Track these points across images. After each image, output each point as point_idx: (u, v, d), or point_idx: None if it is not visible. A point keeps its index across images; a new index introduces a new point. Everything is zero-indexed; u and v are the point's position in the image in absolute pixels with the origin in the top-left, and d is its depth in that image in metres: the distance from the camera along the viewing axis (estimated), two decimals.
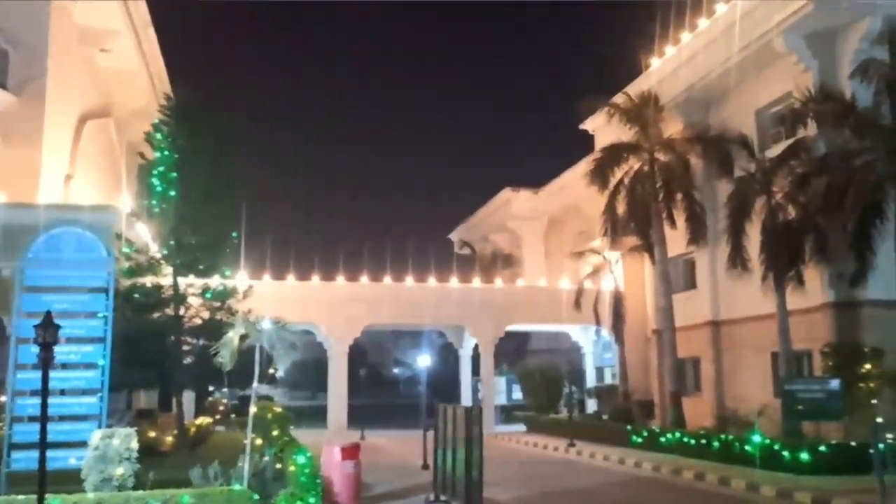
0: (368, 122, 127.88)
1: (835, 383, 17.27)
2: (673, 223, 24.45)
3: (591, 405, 32.17)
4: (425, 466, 17.13)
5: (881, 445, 13.21)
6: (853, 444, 16.33)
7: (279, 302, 22.91)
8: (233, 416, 24.73)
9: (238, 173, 18.94)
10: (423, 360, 23.76)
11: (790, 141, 21.04)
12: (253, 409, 12.12)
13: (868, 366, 18.50)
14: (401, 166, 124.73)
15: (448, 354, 41.04)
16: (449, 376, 38.10)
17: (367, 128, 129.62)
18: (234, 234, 18.57)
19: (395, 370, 78.54)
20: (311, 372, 54.84)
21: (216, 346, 11.88)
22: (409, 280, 31.79)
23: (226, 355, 11.59)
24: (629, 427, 23.45)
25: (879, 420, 16.77)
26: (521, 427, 31.32)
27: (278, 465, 12.24)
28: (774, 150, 21.72)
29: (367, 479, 15.05)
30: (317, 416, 32.30)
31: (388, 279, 31.70)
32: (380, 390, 61.04)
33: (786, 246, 20.06)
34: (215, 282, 18.15)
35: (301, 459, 11.82)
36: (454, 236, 47.94)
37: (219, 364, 11.82)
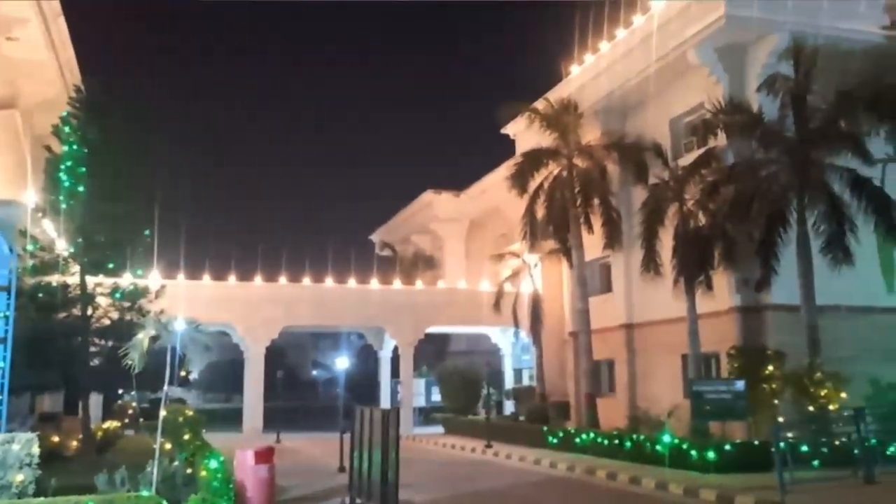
0: (289, 122, 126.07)
1: (740, 384, 17.94)
2: (590, 228, 24.99)
3: (509, 406, 32.54)
4: (342, 469, 16.99)
5: (782, 444, 13.80)
6: (756, 442, 17.01)
7: (194, 302, 22.39)
8: (141, 419, 23.98)
9: (152, 170, 18.38)
10: (342, 362, 23.58)
11: (702, 150, 21.80)
12: (163, 413, 11.78)
13: (771, 368, 19.24)
14: (322, 167, 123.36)
15: (368, 356, 40.83)
16: (368, 378, 37.94)
17: (288, 127, 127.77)
18: (147, 233, 18.00)
19: (314, 372, 77.58)
20: (227, 374, 53.63)
21: (125, 348, 11.49)
22: (329, 281, 31.54)
23: (135, 357, 11.20)
24: (545, 428, 23.84)
25: (781, 420, 17.58)
26: (440, 429, 31.45)
27: (189, 470, 11.93)
28: (687, 159, 22.44)
29: (282, 482, 14.83)
30: (232, 418, 31.66)
31: (307, 280, 31.37)
32: (298, 392, 60.11)
33: (696, 252, 20.76)
34: (126, 281, 17.58)
35: (213, 464, 11.55)
36: (375, 237, 47.78)
37: (128, 366, 11.44)
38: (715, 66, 21.62)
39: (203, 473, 11.35)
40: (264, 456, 12.62)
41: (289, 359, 64.89)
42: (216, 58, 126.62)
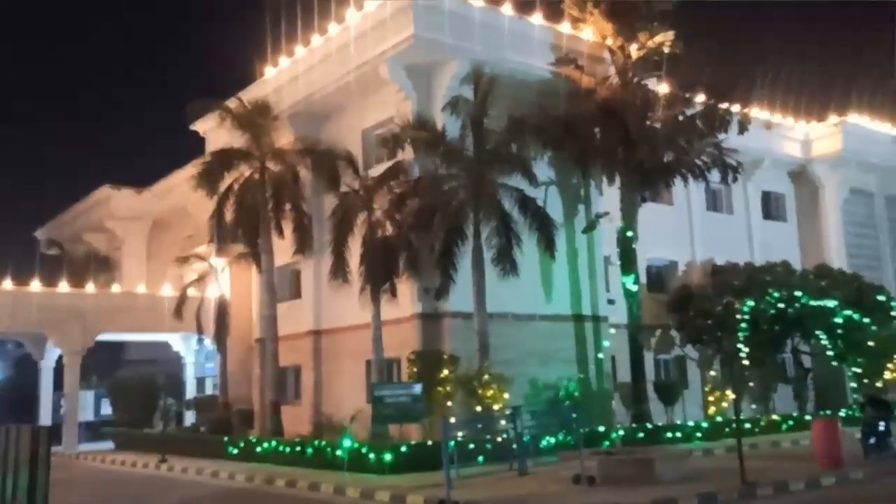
0: None
1: (417, 388, 18.69)
2: (281, 233, 24.65)
3: (191, 417, 30.99)
4: None
5: (451, 443, 14.65)
6: (430, 442, 17.88)
7: None
8: None
9: None
10: None
11: (390, 163, 22.55)
12: None
13: (446, 371, 20.42)
14: None
15: (27, 367, 36.33)
16: (27, 392, 33.80)
17: None
18: None
19: None
20: None
21: None
22: None
23: None
24: (226, 438, 22.99)
25: (452, 420, 18.67)
26: (111, 444, 28.98)
27: None
28: (377, 170, 23.04)
29: None
30: None
31: None
32: None
33: (382, 260, 21.39)
34: None
35: None
36: (41, 234, 42.75)
37: None
38: (404, 83, 22.48)
39: None
40: None
41: None
42: None
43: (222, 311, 27.73)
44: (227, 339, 27.69)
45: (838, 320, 25.72)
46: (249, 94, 26.06)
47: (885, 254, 34.81)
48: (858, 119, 33.95)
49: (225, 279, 28.73)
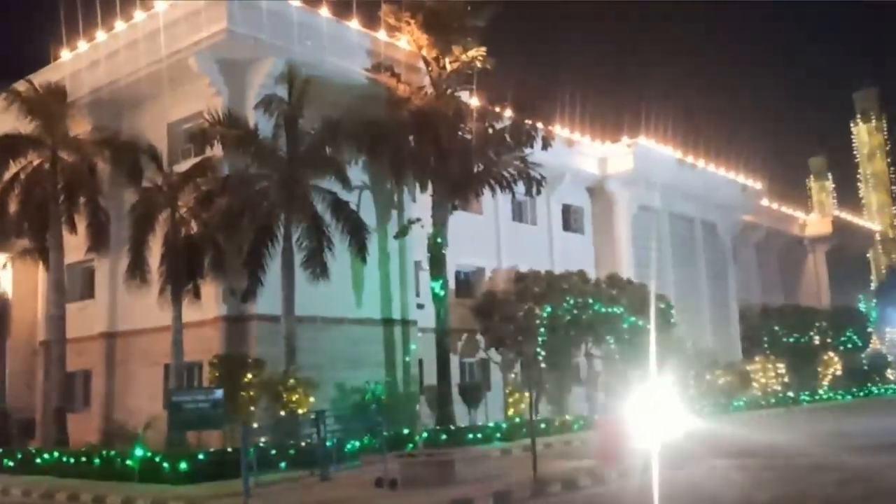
0: None
1: (218, 393, 17.95)
2: (74, 228, 22.99)
3: None
4: None
5: (251, 449, 14.29)
6: (230, 449, 17.28)
7: None
8: None
9: None
10: None
11: (198, 159, 21.66)
12: None
13: (250, 375, 19.86)
14: None
15: None
16: None
17: None
18: None
19: None
20: None
21: None
22: None
23: None
24: (1, 450, 21.04)
25: (255, 425, 18.22)
26: None
27: None
28: (184, 166, 22.07)
29: None
30: None
31: None
32: None
33: (186, 260, 20.58)
34: None
35: None
36: None
37: None
38: (216, 78, 21.72)
39: None
40: None
41: None
42: None
43: (2, 311, 25.54)
44: (6, 341, 25.44)
45: (625, 326, 27.89)
46: (42, 77, 24.06)
47: (668, 266, 38.10)
48: (647, 141, 36.97)
49: (6, 277, 26.34)
